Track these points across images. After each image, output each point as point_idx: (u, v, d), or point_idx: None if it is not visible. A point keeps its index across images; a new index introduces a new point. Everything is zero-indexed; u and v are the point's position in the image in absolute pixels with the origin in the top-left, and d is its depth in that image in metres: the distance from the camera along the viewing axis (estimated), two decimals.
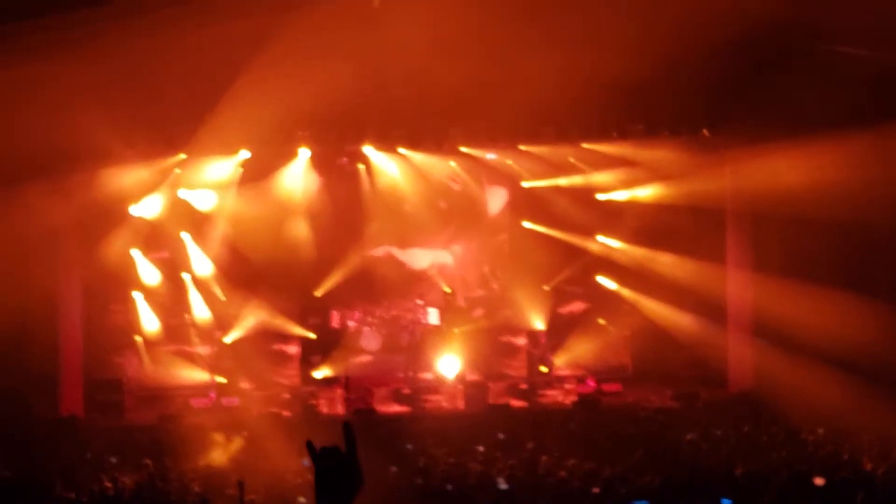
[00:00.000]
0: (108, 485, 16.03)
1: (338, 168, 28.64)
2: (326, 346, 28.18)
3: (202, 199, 27.47)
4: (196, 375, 27.08)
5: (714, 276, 26.41)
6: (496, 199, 29.91)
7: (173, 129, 24.18)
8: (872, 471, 15.65)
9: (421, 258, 29.61)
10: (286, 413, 25.07)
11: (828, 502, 13.78)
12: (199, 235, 27.59)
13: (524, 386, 27.12)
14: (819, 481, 14.91)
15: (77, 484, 16.45)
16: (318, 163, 27.77)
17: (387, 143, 27.11)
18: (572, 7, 21.10)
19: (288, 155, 27.15)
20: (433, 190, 28.73)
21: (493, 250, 30.07)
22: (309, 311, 28.69)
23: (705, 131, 26.03)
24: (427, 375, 27.50)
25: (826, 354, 22.18)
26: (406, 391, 26.52)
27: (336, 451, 4.82)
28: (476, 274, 29.98)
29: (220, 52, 20.62)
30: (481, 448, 19.28)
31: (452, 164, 28.32)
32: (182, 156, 25.82)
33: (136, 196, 26.22)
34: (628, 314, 28.94)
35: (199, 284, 27.71)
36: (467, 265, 29.94)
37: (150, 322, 27.41)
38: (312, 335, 28.32)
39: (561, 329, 28.94)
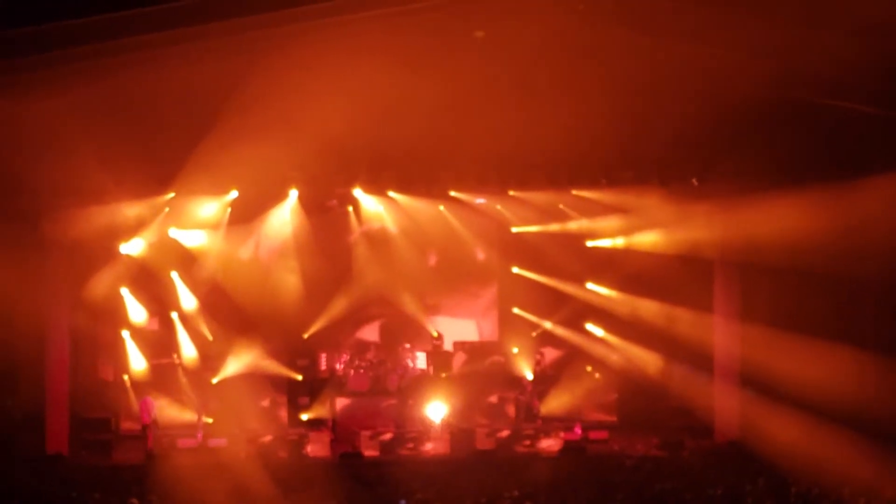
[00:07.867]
0: None
1: (327, 210, 28.64)
2: (314, 388, 28.13)
3: (191, 238, 27.46)
4: (183, 415, 27.00)
5: (702, 326, 26.41)
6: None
7: (163, 167, 24.11)
8: None
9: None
10: (273, 455, 24.95)
11: None
12: (188, 275, 27.57)
13: (510, 432, 26.97)
14: None
15: None
16: (308, 204, 27.75)
17: (376, 186, 27.10)
18: (564, 58, 21.24)
19: (278, 196, 27.13)
20: (422, 235, 28.69)
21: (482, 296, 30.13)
22: (297, 353, 28.63)
23: (694, 181, 26.01)
24: (414, 420, 27.34)
25: (811, 405, 22.24)
26: (392, 435, 26.41)
27: None
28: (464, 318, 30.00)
29: (211, 90, 20.67)
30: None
31: (441, 208, 28.29)
32: (171, 194, 25.71)
33: (126, 234, 26.20)
34: (616, 362, 28.87)
35: (188, 324, 27.69)
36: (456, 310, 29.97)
37: (137, 361, 27.36)
38: (300, 377, 28.25)
39: (548, 376, 28.86)
